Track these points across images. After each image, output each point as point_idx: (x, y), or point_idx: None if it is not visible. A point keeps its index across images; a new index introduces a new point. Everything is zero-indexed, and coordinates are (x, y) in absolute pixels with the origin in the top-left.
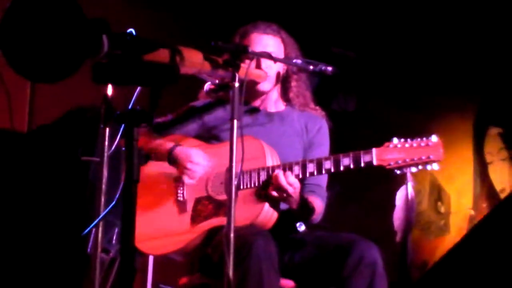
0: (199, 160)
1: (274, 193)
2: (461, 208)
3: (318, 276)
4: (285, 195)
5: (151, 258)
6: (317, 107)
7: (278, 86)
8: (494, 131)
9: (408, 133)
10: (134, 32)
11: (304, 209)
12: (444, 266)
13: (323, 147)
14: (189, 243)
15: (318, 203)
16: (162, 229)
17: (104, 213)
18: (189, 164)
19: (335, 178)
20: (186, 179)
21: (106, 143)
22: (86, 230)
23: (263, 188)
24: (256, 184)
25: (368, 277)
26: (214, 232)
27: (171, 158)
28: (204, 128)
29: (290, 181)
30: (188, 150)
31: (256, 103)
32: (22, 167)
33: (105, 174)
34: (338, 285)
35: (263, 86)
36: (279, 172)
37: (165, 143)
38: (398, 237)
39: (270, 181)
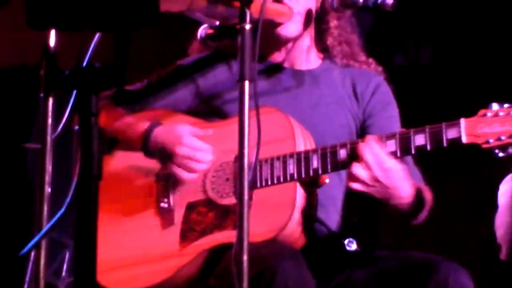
0: (197, 142)
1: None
2: None
3: None
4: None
5: None
6: (370, 60)
7: (311, 30)
8: None
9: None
10: None
11: (419, 207)
12: None
13: (389, 112)
14: (179, 272)
15: (426, 191)
16: (137, 252)
17: (48, 226)
18: (182, 150)
19: None
20: (183, 173)
21: (50, 121)
22: (22, 252)
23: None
24: (281, 179)
25: None
26: (217, 255)
27: (148, 146)
28: (200, 98)
29: (384, 165)
30: (175, 129)
31: (278, 57)
32: None
33: (48, 168)
34: None
35: (288, 29)
36: (370, 140)
37: (137, 123)
38: (503, 254)
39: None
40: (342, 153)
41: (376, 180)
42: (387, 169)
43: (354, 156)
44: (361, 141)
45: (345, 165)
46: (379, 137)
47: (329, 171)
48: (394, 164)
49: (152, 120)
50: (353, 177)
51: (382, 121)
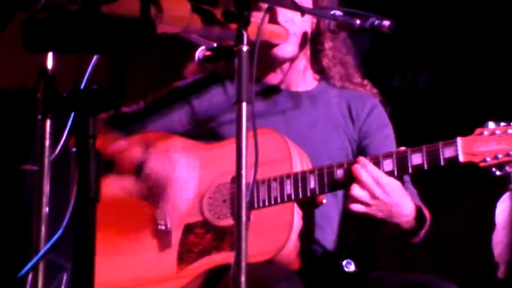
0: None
1: (359, 193)
2: None
3: None
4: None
5: None
6: (365, 81)
7: (306, 51)
8: None
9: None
10: None
11: (420, 225)
12: None
13: (385, 132)
14: None
15: (425, 209)
16: (134, 275)
17: (45, 249)
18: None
19: None
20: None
21: (47, 143)
22: (20, 274)
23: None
24: (279, 200)
25: None
26: (215, 276)
27: (142, 172)
28: (195, 120)
29: (380, 182)
30: (169, 159)
31: (274, 78)
32: None
33: (46, 190)
34: None
35: (284, 50)
36: (363, 160)
37: (132, 148)
38: (500, 272)
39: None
40: (339, 173)
41: (376, 198)
42: (384, 185)
43: (351, 176)
44: (355, 162)
45: (342, 185)
46: (372, 157)
47: (326, 191)
48: (391, 180)
49: (146, 144)
50: (353, 199)
51: (378, 141)
